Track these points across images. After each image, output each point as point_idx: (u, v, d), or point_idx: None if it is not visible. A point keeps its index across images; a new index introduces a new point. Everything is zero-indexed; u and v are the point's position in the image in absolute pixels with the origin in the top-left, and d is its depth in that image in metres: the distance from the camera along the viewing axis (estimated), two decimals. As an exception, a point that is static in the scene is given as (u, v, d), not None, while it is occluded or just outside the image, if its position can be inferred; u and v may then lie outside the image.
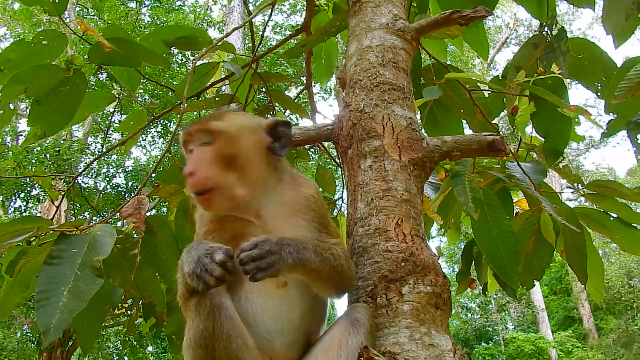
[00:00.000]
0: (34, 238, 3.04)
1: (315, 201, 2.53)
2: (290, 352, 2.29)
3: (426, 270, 2.49)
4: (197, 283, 1.97)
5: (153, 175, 4.14)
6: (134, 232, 3.38)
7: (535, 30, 4.27)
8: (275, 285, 2.30)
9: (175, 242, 3.52)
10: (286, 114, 4.94)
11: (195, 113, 6.16)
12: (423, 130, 3.98)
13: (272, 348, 2.24)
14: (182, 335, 2.21)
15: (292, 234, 2.35)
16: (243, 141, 2.42)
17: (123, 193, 19.22)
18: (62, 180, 15.73)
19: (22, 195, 18.24)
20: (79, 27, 3.85)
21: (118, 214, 3.18)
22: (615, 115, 3.90)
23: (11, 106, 3.65)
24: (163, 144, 21.27)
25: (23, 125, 22.33)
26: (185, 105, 3.78)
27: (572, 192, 4.01)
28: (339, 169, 5.18)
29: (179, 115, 3.84)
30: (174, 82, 17.72)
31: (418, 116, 3.93)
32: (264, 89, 4.84)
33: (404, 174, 2.81)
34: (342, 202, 5.37)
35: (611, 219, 3.84)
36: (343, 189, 5.30)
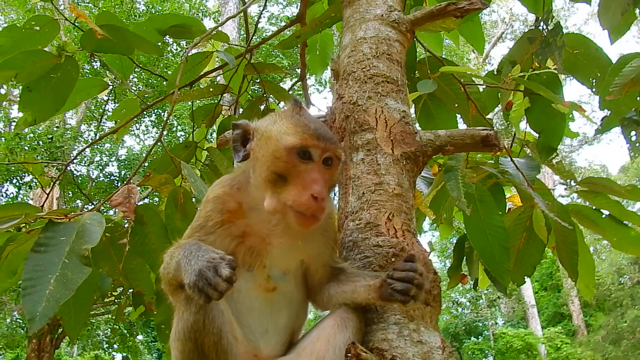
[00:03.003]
0: (24, 225, 3.02)
1: (333, 218, 2.48)
2: (274, 352, 2.28)
3: (417, 266, 2.46)
4: (199, 296, 1.83)
5: (145, 164, 4.11)
6: (124, 221, 3.36)
7: (531, 25, 4.25)
8: (264, 288, 2.28)
9: (165, 232, 3.50)
10: (280, 105, 4.91)
11: (189, 103, 6.12)
12: (417, 124, 3.96)
13: (256, 347, 2.23)
14: (171, 324, 2.17)
15: (308, 249, 2.35)
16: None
17: (116, 182, 19.21)
18: (55, 168, 15.65)
19: (14, 181, 18.17)
20: (72, 14, 3.81)
21: (109, 203, 3.15)
22: (609, 112, 3.91)
23: (2, 90, 3.61)
24: (156, 133, 21.22)
25: (15, 112, 22.24)
26: (178, 94, 3.77)
27: (565, 189, 4.01)
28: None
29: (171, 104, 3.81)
30: (169, 72, 17.65)
31: (412, 110, 3.91)
32: (258, 80, 4.81)
33: (397, 167, 2.77)
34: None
35: (603, 216, 3.84)
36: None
